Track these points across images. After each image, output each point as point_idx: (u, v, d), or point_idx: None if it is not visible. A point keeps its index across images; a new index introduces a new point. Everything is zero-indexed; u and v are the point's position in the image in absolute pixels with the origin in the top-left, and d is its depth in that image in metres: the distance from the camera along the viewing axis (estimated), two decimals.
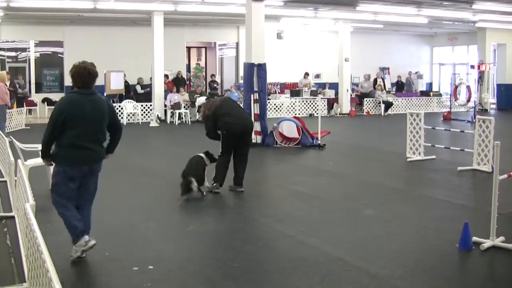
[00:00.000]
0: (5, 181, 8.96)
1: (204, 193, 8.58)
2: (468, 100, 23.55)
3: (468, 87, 23.74)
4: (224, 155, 8.87)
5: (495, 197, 6.05)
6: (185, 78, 24.51)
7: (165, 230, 7.03)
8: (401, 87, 27.50)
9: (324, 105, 23.61)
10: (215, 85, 24.92)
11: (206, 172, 8.72)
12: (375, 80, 25.76)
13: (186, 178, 8.26)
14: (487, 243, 6.04)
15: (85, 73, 5.58)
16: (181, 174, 8.45)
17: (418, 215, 7.63)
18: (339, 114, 23.88)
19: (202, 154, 8.83)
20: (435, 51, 31.47)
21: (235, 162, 8.98)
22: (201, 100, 9.33)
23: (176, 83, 22.39)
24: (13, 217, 7.03)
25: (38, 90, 23.19)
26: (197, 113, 20.25)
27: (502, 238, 6.13)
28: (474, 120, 13.20)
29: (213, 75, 25.54)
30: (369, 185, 9.68)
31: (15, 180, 7.06)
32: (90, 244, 5.57)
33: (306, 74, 25.35)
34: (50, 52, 23.72)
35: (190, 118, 20.85)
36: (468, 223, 6.08)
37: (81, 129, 5.51)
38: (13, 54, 23.45)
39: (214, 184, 8.78)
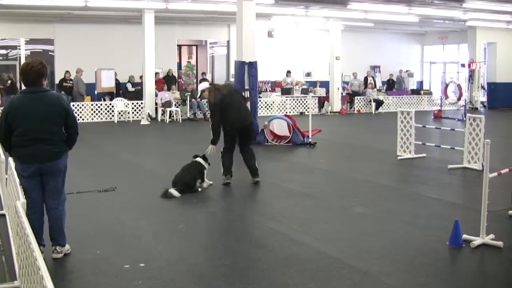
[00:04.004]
0: None
1: (200, 189, 8.90)
2: (459, 99, 23.65)
3: (458, 86, 23.83)
4: (227, 149, 9.23)
5: (485, 195, 6.09)
6: (176, 76, 24.46)
7: (156, 228, 7.02)
8: (391, 86, 27.57)
9: (315, 104, 23.63)
10: None
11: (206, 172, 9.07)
12: (366, 79, 25.81)
13: (167, 191, 8.52)
14: (477, 241, 6.09)
15: (27, 71, 5.45)
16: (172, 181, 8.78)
17: (409, 213, 7.66)
18: (330, 112, 23.91)
19: (199, 159, 9.08)
20: (426, 49, 31.56)
21: (244, 158, 9.33)
22: (204, 85, 9.46)
23: (167, 81, 22.34)
24: (3, 215, 7.01)
25: None
26: (196, 101, 20.37)
27: (492, 235, 6.18)
28: (464, 119, 13.24)
29: (204, 73, 25.49)
30: (360, 183, 9.72)
31: (6, 178, 7.04)
32: (54, 255, 5.66)
33: (289, 72, 25.02)
34: (41, 50, 23.56)
35: (181, 116, 20.83)
36: (458, 220, 6.13)
37: (25, 129, 5.42)
38: (3, 52, 23.29)
39: (224, 177, 9.19)
